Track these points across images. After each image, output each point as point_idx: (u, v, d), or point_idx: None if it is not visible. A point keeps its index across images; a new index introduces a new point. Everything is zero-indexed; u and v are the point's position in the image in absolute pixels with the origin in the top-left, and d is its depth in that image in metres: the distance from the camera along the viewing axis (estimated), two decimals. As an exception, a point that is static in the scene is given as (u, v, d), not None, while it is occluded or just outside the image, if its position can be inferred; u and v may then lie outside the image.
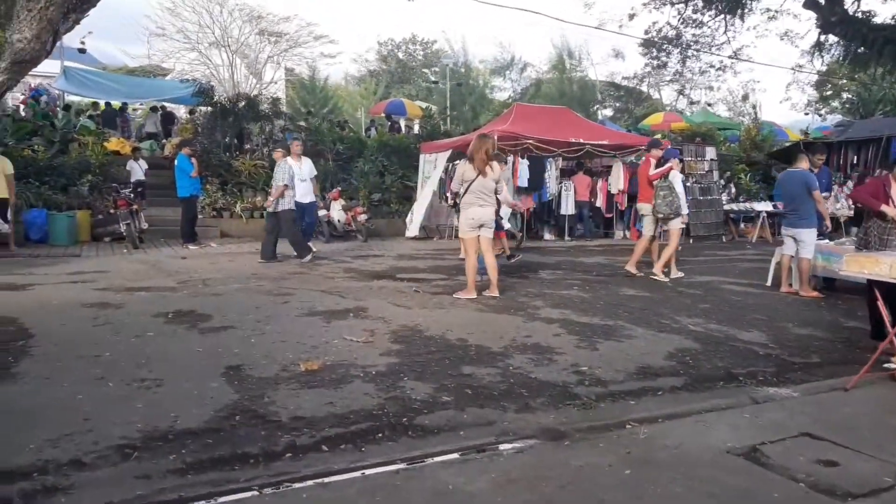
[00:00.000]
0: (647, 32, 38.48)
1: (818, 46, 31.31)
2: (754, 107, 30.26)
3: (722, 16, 30.55)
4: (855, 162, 17.21)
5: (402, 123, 23.90)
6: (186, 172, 11.74)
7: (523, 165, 13.52)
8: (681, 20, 33.07)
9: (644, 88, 44.08)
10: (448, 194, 15.21)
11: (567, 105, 21.17)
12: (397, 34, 52.07)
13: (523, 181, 13.54)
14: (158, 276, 8.26)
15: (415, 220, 14.67)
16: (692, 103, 40.21)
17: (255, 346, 4.93)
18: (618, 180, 14.76)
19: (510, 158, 13.50)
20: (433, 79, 39.77)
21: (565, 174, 15.03)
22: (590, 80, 44.09)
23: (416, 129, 24.36)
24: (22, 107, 21.85)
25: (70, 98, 22.76)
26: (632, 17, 29.78)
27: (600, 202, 15.28)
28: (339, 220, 14.17)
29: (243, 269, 9.07)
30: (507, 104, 39.91)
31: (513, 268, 9.80)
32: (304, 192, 10.72)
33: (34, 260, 9.58)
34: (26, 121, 16.29)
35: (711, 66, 37.51)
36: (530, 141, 13.40)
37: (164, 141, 19.76)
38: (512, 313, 6.28)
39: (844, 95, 38.11)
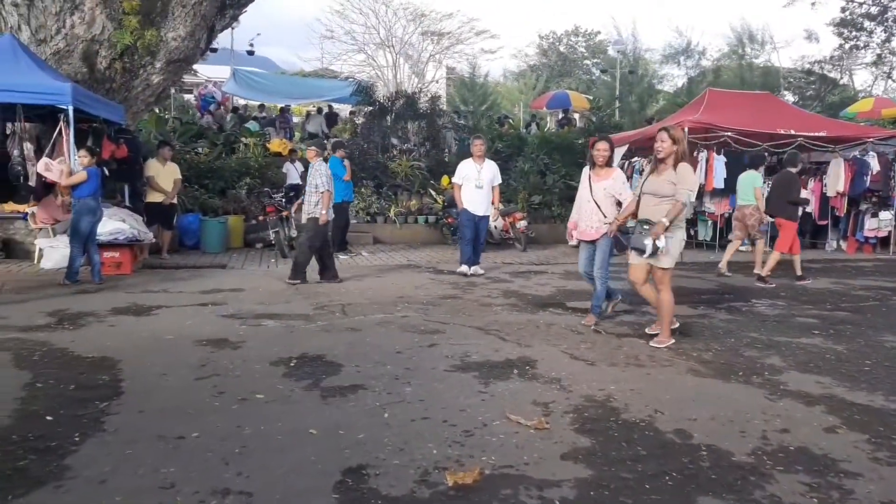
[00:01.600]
0: (843, 10, 33.70)
1: None
2: None
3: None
4: None
5: (577, 116, 21.89)
6: (339, 177, 10.89)
7: (719, 163, 11.29)
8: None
9: (836, 74, 38.75)
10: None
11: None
12: (559, 26, 50.06)
13: (719, 181, 11.31)
14: (295, 297, 7.27)
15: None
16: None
17: (388, 426, 3.57)
18: (837, 180, 12.02)
19: (703, 154, 11.37)
20: (601, 68, 37.42)
21: (767, 173, 12.55)
22: (772, 66, 39.53)
23: (578, 121, 22.47)
24: (196, 112, 22.66)
25: (240, 101, 23.40)
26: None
27: (812, 206, 12.61)
28: (495, 227, 12.76)
29: (390, 288, 7.89)
30: (679, 94, 36.73)
31: (714, 295, 7.81)
32: (481, 203, 9.00)
33: (176, 272, 9.03)
34: (193, 123, 16.51)
35: (926, 44, 32.21)
36: (728, 133, 11.16)
37: (324, 142, 19.50)
38: (743, 380, 4.45)
39: None
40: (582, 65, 51.00)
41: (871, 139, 11.93)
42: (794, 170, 8.97)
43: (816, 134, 11.50)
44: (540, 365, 4.72)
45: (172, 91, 29.20)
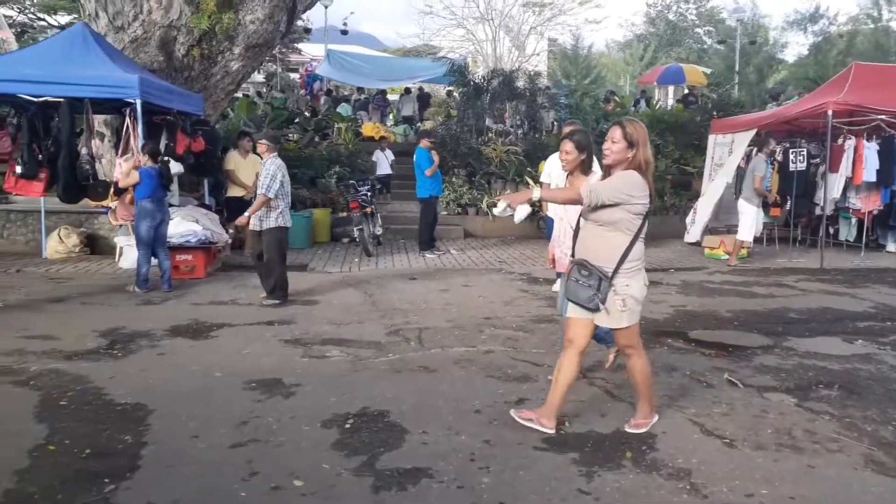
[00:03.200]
0: None
1: None
2: None
3: None
4: None
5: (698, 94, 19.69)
6: (423, 170, 10.01)
7: (870, 151, 9.53)
8: None
9: None
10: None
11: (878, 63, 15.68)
12: (669, -7, 46.89)
13: (870, 174, 9.56)
14: (370, 315, 6.46)
15: (697, 222, 11.46)
16: None
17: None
18: None
19: (850, 142, 9.65)
20: (718, 38, 34.66)
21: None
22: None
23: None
24: (302, 91, 22.36)
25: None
26: None
27: None
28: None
29: (476, 305, 6.94)
30: (804, 64, 33.42)
31: (873, 322, 6.33)
32: None
33: (253, 276, 8.43)
34: (284, 108, 16.11)
35: None
36: (882, 116, 9.39)
37: (418, 124, 18.73)
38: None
39: None
40: (693, 34, 47.80)
41: None
42: None
43: None
44: (661, 443, 3.64)
45: (279, 70, 29.40)
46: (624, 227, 3.55)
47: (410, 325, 6.07)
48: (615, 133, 3.54)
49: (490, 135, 15.36)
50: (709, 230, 11.32)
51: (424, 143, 10.20)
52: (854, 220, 10.67)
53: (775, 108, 16.17)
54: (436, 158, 10.11)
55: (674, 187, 13.66)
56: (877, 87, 10.07)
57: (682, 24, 48.15)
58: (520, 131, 16.15)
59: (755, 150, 10.37)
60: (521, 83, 16.06)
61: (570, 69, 35.61)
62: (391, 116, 20.88)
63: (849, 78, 10.38)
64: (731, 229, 11.99)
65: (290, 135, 14.98)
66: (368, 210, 10.01)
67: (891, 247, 10.90)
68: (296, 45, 33.41)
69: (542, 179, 7.74)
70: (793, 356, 5.27)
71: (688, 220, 11.87)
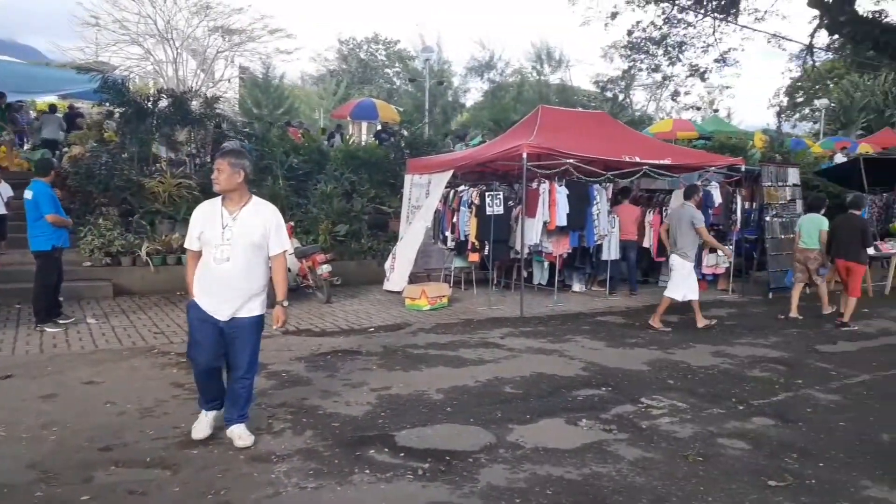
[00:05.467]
0: (630, 33, 35.73)
1: (809, 50, 28.35)
2: (781, 112, 26.79)
3: (710, 16, 27.49)
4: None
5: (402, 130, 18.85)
6: (43, 213, 7.26)
7: (562, 195, 9.36)
8: (665, 20, 30.12)
9: (622, 94, 41.12)
10: (447, 233, 11.07)
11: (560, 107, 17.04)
12: (359, 32, 48.15)
13: (562, 218, 9.39)
14: None
15: (397, 269, 10.42)
16: (696, 108, 37.25)
17: None
18: (681, 214, 10.74)
19: (543, 186, 9.40)
20: (410, 77, 35.79)
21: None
22: (567, 84, 41.03)
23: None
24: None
25: None
26: (614, 15, 26.72)
27: (650, 242, 11.23)
28: (288, 270, 9.80)
29: (97, 419, 4.68)
30: (481, 108, 36.32)
31: (589, 390, 5.60)
32: (229, 294, 4.22)
33: None
34: None
35: (697, 70, 34.81)
36: (571, 160, 9.29)
37: (65, 149, 15.08)
38: None
39: (816, 102, 35.77)
40: (383, 73, 49.52)
41: (713, 167, 10.78)
42: (858, 212, 8.98)
43: (661, 162, 10.05)
44: None
45: None
46: None
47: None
48: None
49: (159, 165, 12.82)
50: (410, 277, 10.36)
51: (44, 176, 7.43)
52: (546, 264, 10.58)
53: (464, 147, 16.31)
54: (59, 196, 7.46)
55: (371, 228, 12.62)
56: (562, 130, 10.07)
57: (373, 64, 49.69)
58: (196, 161, 13.84)
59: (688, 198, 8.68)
60: (196, 106, 13.83)
61: (261, 98, 33.78)
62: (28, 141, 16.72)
63: (537, 120, 10.28)
64: (431, 275, 11.30)
65: None
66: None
67: (576, 287, 11.09)
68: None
69: (186, 245, 4.41)
70: (522, 461, 4.12)
71: (386, 265, 10.82)
